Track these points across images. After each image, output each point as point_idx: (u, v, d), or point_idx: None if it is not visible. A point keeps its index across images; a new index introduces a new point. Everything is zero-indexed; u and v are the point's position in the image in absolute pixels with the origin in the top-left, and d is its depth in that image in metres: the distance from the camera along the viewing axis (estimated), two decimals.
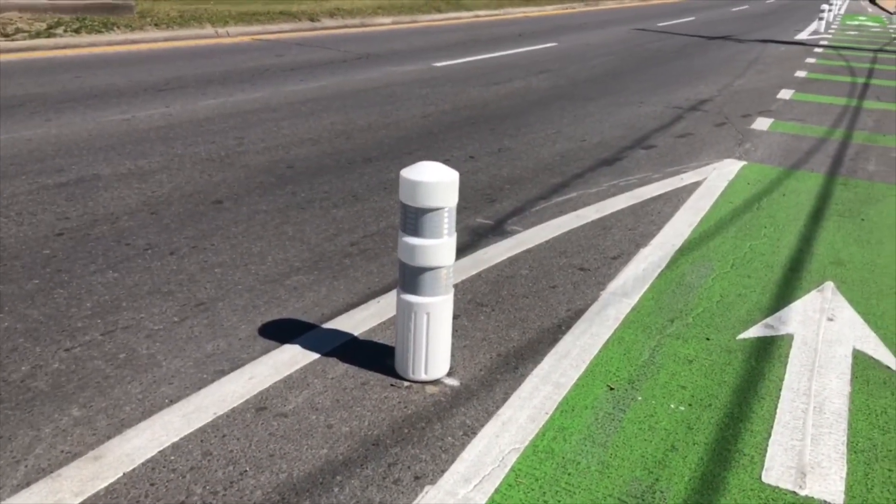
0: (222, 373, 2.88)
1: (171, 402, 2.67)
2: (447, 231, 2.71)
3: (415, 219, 2.69)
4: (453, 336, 3.14)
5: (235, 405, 2.67)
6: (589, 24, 22.88)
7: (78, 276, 3.68)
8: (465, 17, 23.57)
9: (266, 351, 3.06)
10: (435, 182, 2.63)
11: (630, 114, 8.53)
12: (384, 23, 19.82)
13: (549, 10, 29.33)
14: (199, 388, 2.76)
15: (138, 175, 5.37)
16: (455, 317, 3.36)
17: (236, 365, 2.94)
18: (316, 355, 3.03)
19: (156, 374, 2.85)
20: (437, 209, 2.66)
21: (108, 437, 2.45)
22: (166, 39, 13.78)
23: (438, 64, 12.08)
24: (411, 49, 14.26)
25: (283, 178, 5.47)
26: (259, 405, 2.68)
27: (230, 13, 16.52)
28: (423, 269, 2.74)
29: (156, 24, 14.35)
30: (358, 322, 3.33)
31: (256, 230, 4.41)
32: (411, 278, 2.77)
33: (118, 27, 13.60)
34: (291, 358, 3.01)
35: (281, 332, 3.22)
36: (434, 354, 2.85)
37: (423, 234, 2.69)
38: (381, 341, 3.17)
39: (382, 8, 21.27)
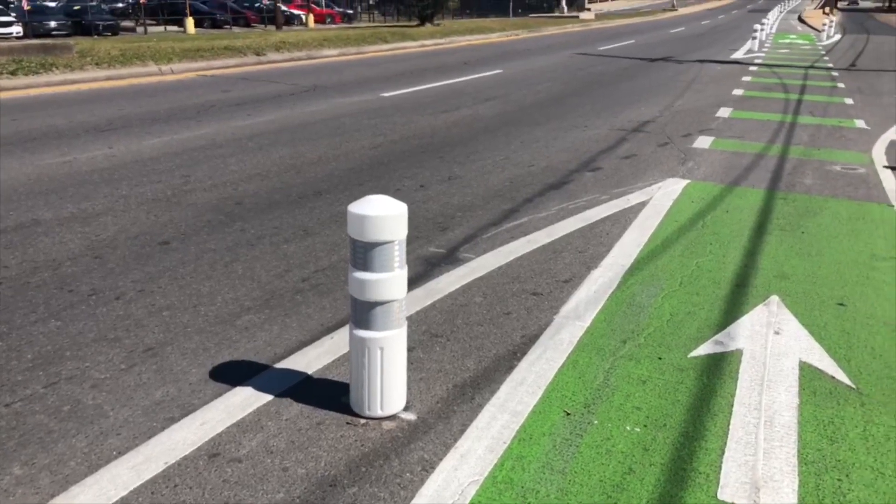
0: (173, 420, 2.81)
1: (119, 454, 2.58)
2: (398, 264, 2.71)
3: (364, 253, 2.68)
4: (409, 369, 3.12)
5: (187, 453, 2.60)
6: (533, 50, 23.32)
7: (18, 327, 3.56)
8: (411, 46, 23.81)
9: (218, 395, 2.99)
10: (383, 216, 2.63)
11: (576, 137, 8.68)
12: (331, 55, 19.88)
13: (494, 37, 29.84)
14: (149, 438, 2.68)
15: (81, 218, 5.25)
16: (410, 349, 3.35)
17: (187, 411, 2.87)
18: (269, 396, 2.98)
19: (102, 425, 2.76)
20: (387, 243, 2.66)
21: (53, 496, 2.36)
22: (108, 78, 13.58)
23: (386, 94, 12.15)
24: (359, 80, 14.32)
25: (231, 215, 5.40)
26: (212, 451, 2.61)
27: (174, 50, 16.38)
28: (375, 304, 2.72)
29: (96, 63, 14.13)
30: (311, 360, 3.29)
31: (205, 270, 4.33)
32: (363, 313, 2.75)
33: (57, 67, 13.35)
34: (244, 400, 2.95)
35: (233, 374, 3.16)
36: (389, 389, 2.82)
37: (374, 268, 2.68)
38: (335, 378, 3.13)
39: (328, 40, 21.35)
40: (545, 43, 27.00)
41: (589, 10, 61.48)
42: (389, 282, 2.69)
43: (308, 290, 4.07)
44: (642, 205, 5.83)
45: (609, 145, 8.22)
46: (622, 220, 5.43)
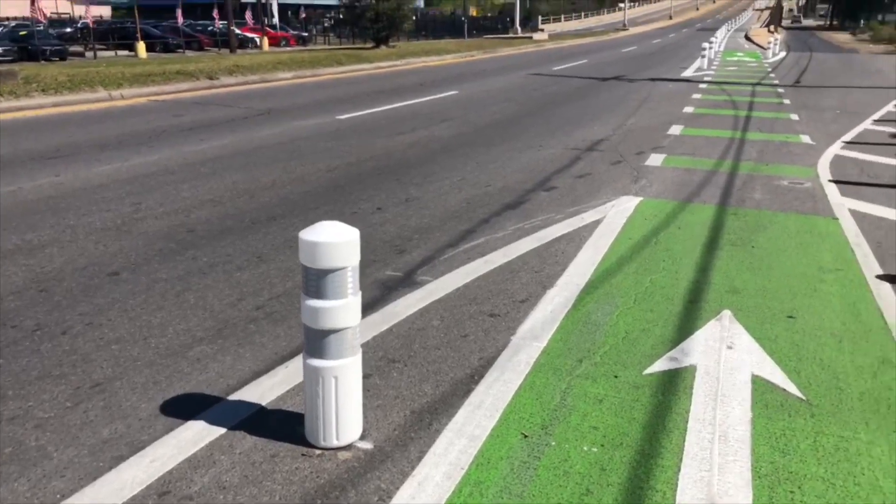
0: (121, 458, 2.72)
1: (64, 496, 2.49)
2: (351, 290, 2.68)
3: (317, 280, 2.64)
4: (365, 396, 3.08)
5: (136, 492, 2.51)
6: (488, 71, 23.56)
7: None
8: (366, 68, 23.86)
9: (168, 430, 2.91)
10: (335, 242, 2.60)
11: (531, 157, 8.76)
12: (285, 77, 19.81)
13: (449, 59, 30.08)
14: (96, 478, 2.59)
15: (26, 250, 5.10)
16: (366, 376, 3.31)
17: (136, 448, 2.79)
18: (222, 430, 2.91)
19: (46, 467, 2.66)
20: (340, 269, 2.63)
21: None
22: (55, 105, 13.31)
23: (342, 116, 12.13)
24: (314, 102, 14.28)
25: (183, 243, 5.31)
26: (162, 490, 2.53)
27: (124, 75, 16.14)
28: (329, 332, 2.69)
29: (43, 90, 13.85)
30: (266, 391, 3.23)
31: (156, 301, 4.24)
32: (316, 342, 2.71)
33: (1, 95, 13.04)
34: (196, 435, 2.88)
35: (184, 408, 3.08)
36: (345, 419, 2.78)
37: (326, 295, 2.65)
38: (290, 409, 3.08)
39: (283, 63, 21.28)
40: (500, 64, 27.31)
41: (542, 30, 62.49)
42: (343, 309, 2.66)
43: (262, 319, 4.00)
44: (597, 223, 5.89)
45: (564, 164, 8.31)
46: (577, 239, 5.48)
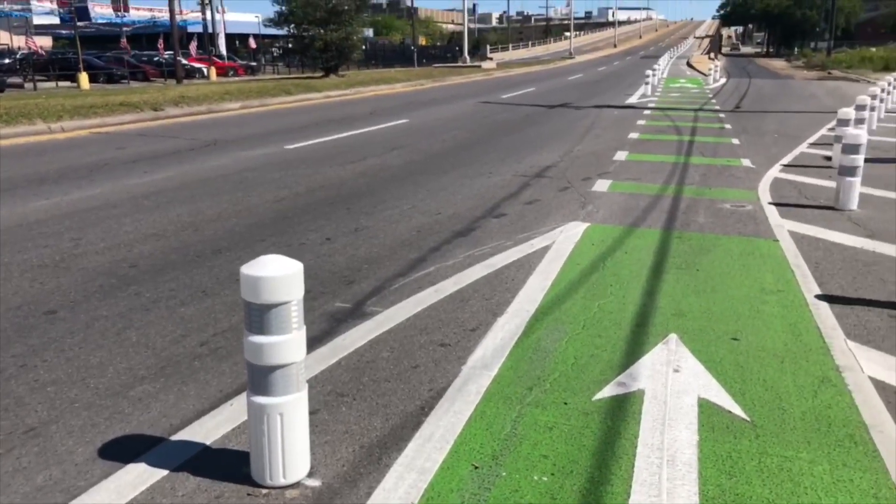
0: None
1: None
2: (296, 325, 2.63)
3: (260, 316, 2.59)
4: (313, 432, 3.02)
5: None
6: (438, 99, 23.77)
7: None
8: (316, 98, 23.84)
9: (107, 474, 2.80)
10: (278, 276, 2.56)
11: (481, 184, 8.83)
12: (233, 108, 19.64)
13: (399, 87, 30.27)
14: None
15: None
16: (314, 412, 3.25)
17: (72, 495, 2.67)
18: (164, 472, 2.81)
19: None
20: (283, 304, 2.59)
21: None
22: None
23: (291, 146, 12.06)
24: (262, 133, 14.18)
25: (125, 278, 5.17)
26: None
27: (64, 107, 15.79)
28: (273, 368, 2.63)
29: None
30: (210, 429, 3.14)
31: (95, 339, 4.10)
32: (260, 379, 2.65)
33: None
34: (136, 478, 2.77)
35: (124, 450, 2.97)
36: (291, 456, 2.72)
37: (270, 331, 2.60)
38: (236, 448, 3.00)
39: (230, 93, 21.11)
40: (450, 92, 27.59)
41: (491, 59, 63.43)
42: (287, 344, 2.61)
43: (207, 355, 3.91)
44: (546, 249, 5.95)
45: (513, 191, 8.39)
46: (527, 266, 5.51)
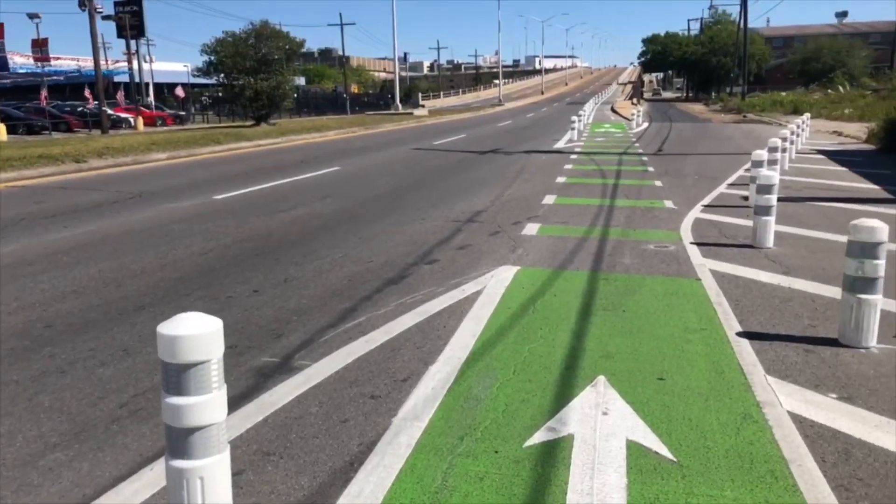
0: None
1: None
2: (216, 384, 2.56)
3: (177, 376, 2.51)
4: (238, 494, 2.91)
5: None
6: (370, 146, 23.89)
7: None
8: (246, 146, 23.63)
9: None
10: (197, 334, 2.49)
11: (414, 230, 8.85)
12: (159, 158, 19.28)
13: (331, 135, 30.33)
14: None
15: None
16: (239, 472, 3.14)
17: None
18: None
19: None
20: (202, 363, 2.51)
21: None
22: None
23: (219, 196, 11.88)
24: (190, 183, 13.94)
25: (39, 340, 4.94)
26: None
27: None
28: (192, 430, 2.54)
29: None
30: (128, 497, 3.00)
31: (4, 406, 3.89)
32: (179, 441, 2.55)
33: None
34: None
35: None
36: None
37: (189, 391, 2.51)
38: None
39: (157, 143, 20.74)
40: (382, 139, 27.79)
41: (423, 106, 64.39)
42: (207, 404, 2.53)
43: (126, 418, 3.75)
44: (477, 294, 5.97)
45: (445, 237, 8.44)
46: (458, 312, 5.52)
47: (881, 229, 4.54)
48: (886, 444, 3.41)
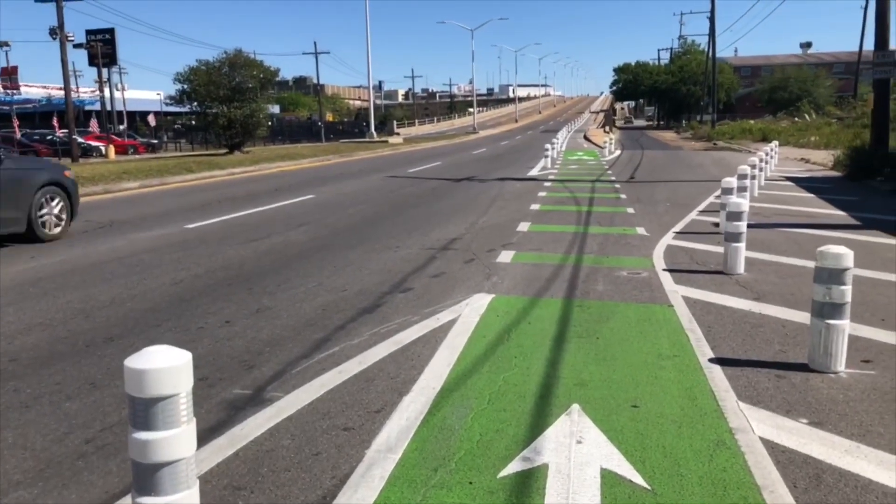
0: None
1: None
2: (185, 418, 2.52)
3: (145, 410, 2.47)
4: None
5: None
6: (345, 174, 23.90)
7: None
8: (219, 175, 23.52)
9: None
10: (164, 368, 2.47)
11: (388, 258, 8.84)
12: (131, 187, 19.12)
13: (306, 163, 30.32)
14: None
15: None
16: None
17: None
18: None
19: None
20: (170, 397, 2.48)
21: None
22: None
23: (191, 225, 11.78)
24: (161, 212, 13.82)
25: (3, 374, 4.82)
26: None
27: None
28: (160, 466, 2.49)
29: None
30: None
31: None
32: (146, 478, 2.50)
33: None
34: None
35: None
36: None
37: (156, 426, 2.47)
38: None
39: (128, 172, 20.56)
40: (357, 167, 27.82)
41: (398, 134, 64.76)
42: (175, 439, 2.49)
43: (92, 454, 3.66)
44: (452, 322, 5.96)
45: (420, 265, 8.43)
46: (433, 341, 5.50)
47: (847, 255, 4.63)
48: (856, 468, 3.44)
